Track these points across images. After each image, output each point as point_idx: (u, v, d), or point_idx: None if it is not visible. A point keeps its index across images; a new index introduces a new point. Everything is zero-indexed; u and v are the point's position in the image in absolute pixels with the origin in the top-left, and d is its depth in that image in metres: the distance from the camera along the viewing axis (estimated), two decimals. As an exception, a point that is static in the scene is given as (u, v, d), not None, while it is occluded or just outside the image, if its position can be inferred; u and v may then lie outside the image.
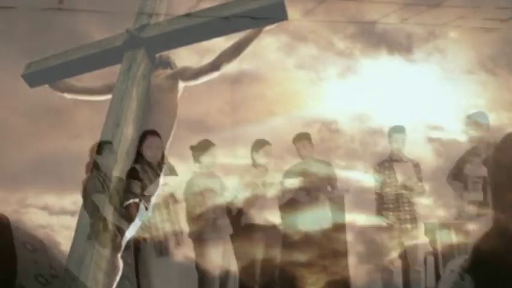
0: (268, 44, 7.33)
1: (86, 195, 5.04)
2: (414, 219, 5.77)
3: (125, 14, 6.90)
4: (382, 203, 5.82)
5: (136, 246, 4.91)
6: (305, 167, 5.95)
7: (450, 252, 5.69)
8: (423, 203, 5.54)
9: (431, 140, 5.92)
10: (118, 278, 4.93)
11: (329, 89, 7.52)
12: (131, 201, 4.95)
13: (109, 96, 7.09)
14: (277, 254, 5.64)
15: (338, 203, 6.02)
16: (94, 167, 5.08)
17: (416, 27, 7.31)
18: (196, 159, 5.49)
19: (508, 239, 1.48)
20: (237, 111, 7.46)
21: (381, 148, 7.00)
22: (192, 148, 5.56)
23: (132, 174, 4.98)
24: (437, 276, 5.95)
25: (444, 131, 7.42)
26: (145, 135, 5.15)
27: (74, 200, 5.20)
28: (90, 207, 4.97)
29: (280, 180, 5.70)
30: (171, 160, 5.56)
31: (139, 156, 5.06)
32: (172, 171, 5.24)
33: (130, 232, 4.93)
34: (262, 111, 7.26)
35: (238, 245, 5.46)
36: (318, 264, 5.75)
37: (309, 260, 5.67)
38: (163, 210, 5.00)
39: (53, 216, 6.83)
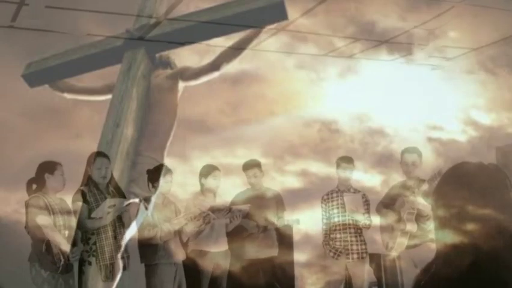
0: (268, 44, 7.33)
1: (28, 216, 4.92)
2: (361, 250, 5.82)
3: (125, 14, 6.90)
4: (330, 232, 5.87)
5: (80, 269, 4.85)
6: (255, 195, 5.93)
7: (394, 282, 5.73)
8: (423, 203, 5.56)
9: (431, 140, 5.93)
10: (118, 279, 4.93)
11: (329, 89, 7.52)
12: (130, 201, 4.95)
13: (109, 96, 7.10)
14: (224, 280, 5.65)
15: (286, 234, 6.07)
16: (41, 187, 5.00)
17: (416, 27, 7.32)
18: (153, 184, 5.35)
19: (453, 270, 1.50)
20: (237, 111, 7.46)
21: (381, 148, 7.00)
22: (148, 172, 5.46)
23: (79, 196, 4.94)
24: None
25: (444, 131, 7.43)
26: (94, 156, 5.08)
27: (67, 227, 5.16)
28: (33, 228, 4.89)
29: (228, 207, 5.65)
30: (171, 160, 5.56)
31: (87, 178, 5.00)
32: (121, 194, 5.16)
33: (129, 233, 4.93)
34: (262, 111, 7.26)
35: (188, 270, 5.43)
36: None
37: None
38: (110, 232, 4.93)
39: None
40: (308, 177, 7.22)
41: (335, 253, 5.80)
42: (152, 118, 6.95)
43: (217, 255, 5.54)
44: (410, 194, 5.52)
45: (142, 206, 5.09)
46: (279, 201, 5.99)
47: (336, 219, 5.84)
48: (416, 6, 7.19)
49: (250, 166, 5.93)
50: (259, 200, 5.85)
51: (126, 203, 4.95)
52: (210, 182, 5.60)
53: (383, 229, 5.78)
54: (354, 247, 5.80)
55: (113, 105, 6.84)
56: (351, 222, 5.81)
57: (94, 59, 7.13)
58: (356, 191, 5.92)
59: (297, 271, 6.16)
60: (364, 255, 5.84)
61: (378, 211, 5.83)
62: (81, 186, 4.98)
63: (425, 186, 5.41)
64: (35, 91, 7.24)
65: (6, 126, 6.57)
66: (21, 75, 7.21)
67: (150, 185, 5.30)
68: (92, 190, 4.92)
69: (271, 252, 5.88)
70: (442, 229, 1.59)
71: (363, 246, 5.84)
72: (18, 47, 6.88)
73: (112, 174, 5.09)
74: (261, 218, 5.79)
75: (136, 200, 5.01)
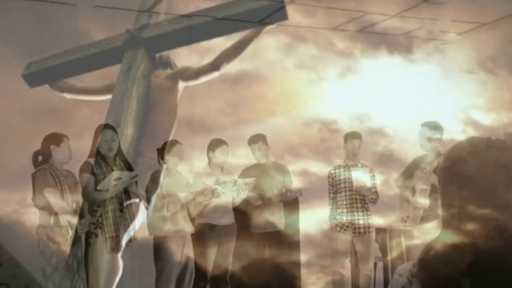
0: (268, 44, 7.33)
1: (35, 188, 4.96)
2: (367, 224, 5.83)
3: (125, 14, 6.90)
4: (336, 206, 5.88)
5: (87, 241, 4.87)
6: (260, 169, 5.95)
7: (399, 258, 5.73)
8: (424, 203, 5.57)
9: (431, 140, 5.90)
10: (118, 278, 4.93)
11: (328, 89, 7.52)
12: (131, 201, 4.94)
13: (109, 96, 7.11)
14: (231, 254, 5.68)
15: (292, 206, 6.06)
16: (47, 159, 5.02)
17: (416, 27, 7.32)
18: (162, 158, 5.43)
19: (456, 246, 1.51)
20: (237, 111, 7.46)
21: (381, 148, 6.99)
22: (158, 150, 5.53)
23: (86, 168, 4.93)
24: (386, 282, 5.98)
25: (445, 131, 7.42)
26: (101, 129, 5.07)
27: (74, 200, 5.20)
28: (41, 201, 4.93)
29: (234, 179, 5.67)
30: (172, 160, 5.55)
31: (94, 150, 4.99)
32: (129, 167, 5.17)
33: (129, 232, 4.93)
34: (262, 111, 7.26)
35: (196, 244, 5.47)
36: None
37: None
38: (116, 204, 4.93)
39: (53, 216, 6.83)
40: (308, 177, 7.22)
41: (341, 227, 5.82)
42: (152, 118, 6.96)
43: (224, 229, 5.57)
44: (424, 168, 5.53)
45: (142, 206, 5.09)
46: (286, 175, 6.00)
47: (343, 194, 5.86)
48: (416, 6, 7.19)
49: (254, 140, 5.95)
50: (265, 174, 5.87)
51: (132, 175, 4.95)
52: (217, 156, 5.64)
53: (401, 202, 5.79)
54: (361, 222, 5.82)
55: (113, 105, 6.85)
56: (358, 197, 5.83)
57: (94, 59, 7.14)
58: (363, 165, 5.94)
59: (297, 271, 6.15)
60: (370, 229, 5.85)
61: (397, 183, 5.84)
62: (88, 158, 4.97)
63: (435, 163, 5.41)
64: (35, 91, 7.25)
65: (6, 126, 6.56)
66: (21, 75, 7.22)
67: (160, 160, 5.43)
68: (99, 162, 4.91)
69: (278, 226, 5.88)
70: (447, 205, 1.60)
71: (370, 221, 5.85)
72: (18, 47, 6.88)
73: (119, 147, 5.09)
74: (266, 191, 5.81)
75: (136, 200, 5.01)
